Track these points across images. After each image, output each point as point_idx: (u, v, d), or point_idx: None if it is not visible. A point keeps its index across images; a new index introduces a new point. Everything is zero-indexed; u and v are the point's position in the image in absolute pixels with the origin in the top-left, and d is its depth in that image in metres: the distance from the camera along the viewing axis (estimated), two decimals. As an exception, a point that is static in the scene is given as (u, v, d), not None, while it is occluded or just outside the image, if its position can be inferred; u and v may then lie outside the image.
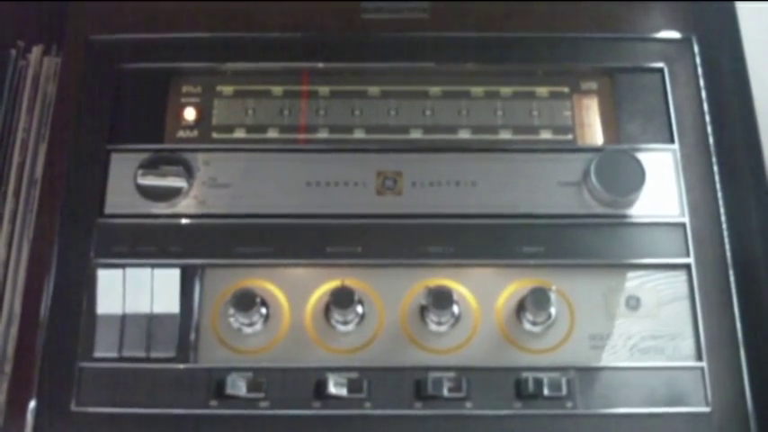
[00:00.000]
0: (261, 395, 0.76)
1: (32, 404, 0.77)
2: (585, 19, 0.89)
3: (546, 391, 0.76)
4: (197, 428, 0.76)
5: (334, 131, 0.86)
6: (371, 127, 0.86)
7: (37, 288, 0.81)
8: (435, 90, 0.87)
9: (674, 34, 0.88)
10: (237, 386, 0.76)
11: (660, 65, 0.87)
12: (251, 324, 0.79)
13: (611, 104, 0.87)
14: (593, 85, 0.88)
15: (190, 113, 0.87)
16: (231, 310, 0.78)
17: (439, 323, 0.79)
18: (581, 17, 0.89)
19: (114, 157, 0.84)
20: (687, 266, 0.81)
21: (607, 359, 0.78)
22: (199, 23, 0.89)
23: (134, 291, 0.80)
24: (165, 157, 0.83)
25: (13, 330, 0.81)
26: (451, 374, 0.77)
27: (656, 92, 0.86)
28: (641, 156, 0.82)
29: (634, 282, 0.81)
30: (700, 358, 0.78)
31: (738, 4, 0.88)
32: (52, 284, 0.80)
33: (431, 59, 0.88)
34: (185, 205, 0.83)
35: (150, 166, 0.82)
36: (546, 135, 0.86)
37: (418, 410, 0.76)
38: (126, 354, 0.78)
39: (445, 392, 0.76)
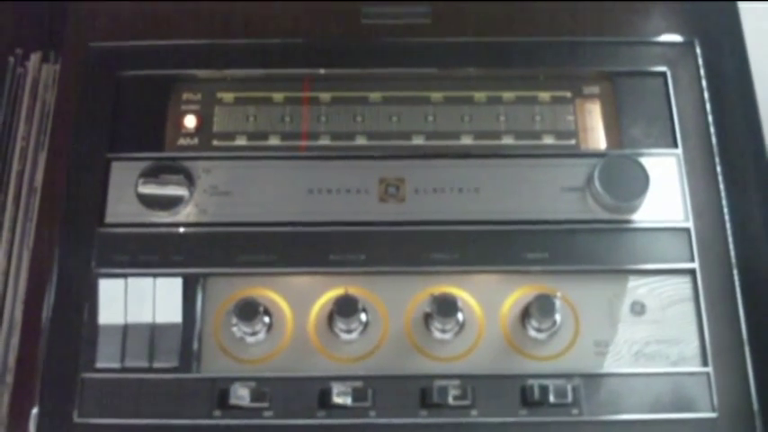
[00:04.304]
0: (265, 405, 0.76)
1: (34, 415, 0.77)
2: (587, 23, 0.89)
3: (551, 398, 0.75)
4: (201, 439, 0.76)
5: (336, 138, 0.86)
6: (373, 133, 0.86)
7: (38, 298, 0.80)
8: (437, 96, 0.87)
9: (677, 38, 0.88)
10: (241, 396, 0.76)
11: (663, 68, 0.87)
12: (254, 333, 0.78)
13: (613, 109, 0.86)
14: (595, 89, 0.87)
15: (190, 121, 0.86)
16: (234, 320, 0.78)
17: (443, 331, 0.78)
18: (583, 21, 0.89)
19: (115, 165, 0.84)
20: (692, 271, 0.80)
21: (612, 365, 0.78)
22: (198, 30, 0.89)
23: (136, 300, 0.79)
24: (165, 165, 0.83)
25: (15, 340, 0.80)
26: (456, 382, 0.77)
27: (658, 96, 0.86)
28: (644, 160, 0.82)
29: (639, 287, 0.80)
30: (705, 363, 0.78)
31: (741, 6, 0.88)
32: (53, 294, 0.80)
33: (432, 65, 0.87)
34: (186, 214, 0.82)
35: (151, 174, 0.82)
36: (548, 140, 0.86)
37: (423, 419, 0.76)
38: (128, 364, 0.78)
39: (450, 400, 0.76)
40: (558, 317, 0.78)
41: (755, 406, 0.76)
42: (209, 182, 0.83)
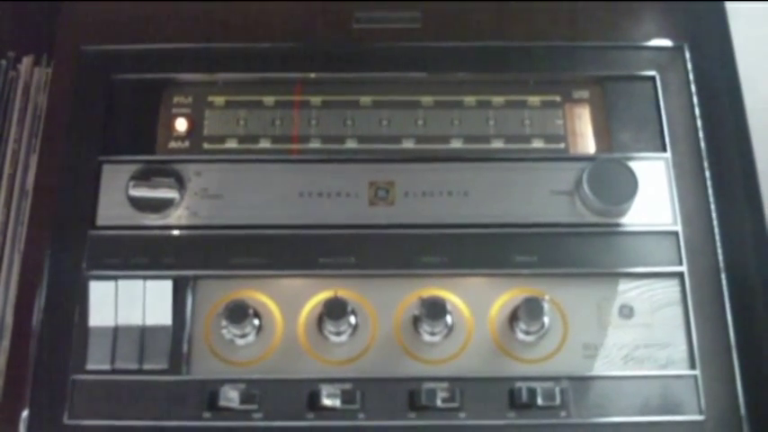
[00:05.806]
0: (254, 407, 0.76)
1: (25, 417, 0.77)
2: (577, 27, 0.89)
3: (539, 401, 0.76)
4: (190, 441, 0.76)
5: (327, 142, 0.86)
6: (363, 137, 0.86)
7: (29, 300, 0.80)
8: (427, 99, 0.87)
9: (666, 42, 0.89)
10: (230, 398, 0.76)
11: (652, 73, 0.87)
12: (243, 335, 0.78)
13: (602, 113, 0.87)
14: (584, 93, 0.88)
15: (181, 124, 0.86)
16: (223, 322, 0.78)
17: (432, 333, 0.78)
18: (573, 26, 0.89)
19: (106, 168, 0.84)
20: (680, 275, 0.80)
21: (600, 368, 0.78)
22: (190, 34, 0.89)
23: (126, 303, 0.79)
24: (156, 168, 0.83)
25: (5, 343, 0.80)
26: (445, 385, 0.77)
27: (647, 100, 0.87)
28: (633, 164, 0.82)
29: (627, 291, 0.81)
30: (693, 366, 0.78)
31: (730, 11, 0.88)
32: (44, 297, 0.80)
33: (423, 69, 0.88)
34: (177, 216, 0.82)
35: (142, 177, 0.82)
36: (538, 144, 0.86)
37: (412, 421, 0.76)
38: (118, 366, 0.78)
39: (439, 403, 0.76)
40: (546, 320, 0.78)
41: (742, 409, 0.76)
42: (199, 185, 0.83)
